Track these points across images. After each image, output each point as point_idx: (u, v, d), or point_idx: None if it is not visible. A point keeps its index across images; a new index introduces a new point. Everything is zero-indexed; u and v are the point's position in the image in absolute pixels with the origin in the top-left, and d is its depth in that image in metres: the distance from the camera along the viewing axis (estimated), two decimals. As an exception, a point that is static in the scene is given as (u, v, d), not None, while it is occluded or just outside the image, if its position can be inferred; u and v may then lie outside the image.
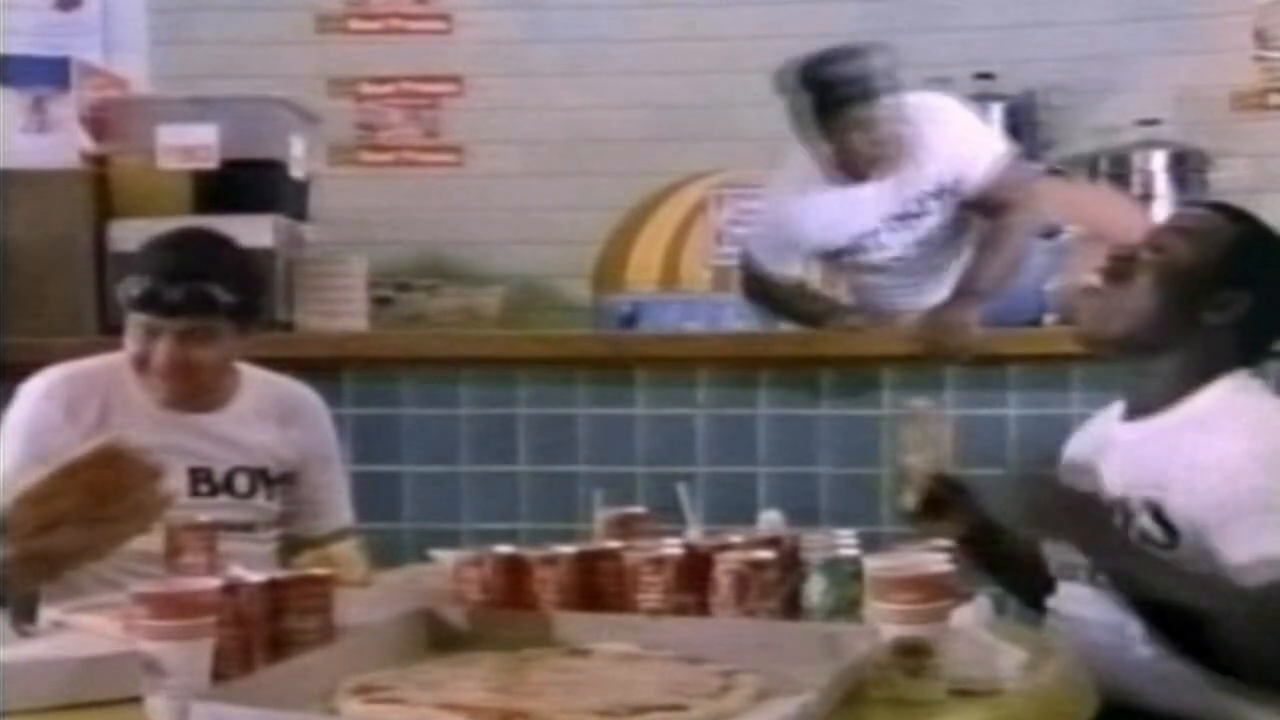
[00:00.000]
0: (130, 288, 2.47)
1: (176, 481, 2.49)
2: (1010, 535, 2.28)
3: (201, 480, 2.55)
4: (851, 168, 3.77)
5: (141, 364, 2.48)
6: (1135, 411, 2.20)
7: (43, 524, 1.50)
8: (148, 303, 2.45)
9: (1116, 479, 2.14)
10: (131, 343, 2.49)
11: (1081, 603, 2.16)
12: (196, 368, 2.49)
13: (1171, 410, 2.14)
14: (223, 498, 2.56)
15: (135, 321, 2.47)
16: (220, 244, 2.60)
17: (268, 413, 2.62)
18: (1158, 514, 2.06)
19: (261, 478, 2.61)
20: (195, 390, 2.53)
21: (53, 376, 2.54)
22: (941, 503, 2.29)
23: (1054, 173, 4.61)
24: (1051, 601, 2.24)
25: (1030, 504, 2.10)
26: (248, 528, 2.57)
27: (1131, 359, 2.21)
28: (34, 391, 2.53)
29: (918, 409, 2.30)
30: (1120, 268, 2.16)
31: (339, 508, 2.76)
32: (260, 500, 2.61)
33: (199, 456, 2.53)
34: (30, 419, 2.49)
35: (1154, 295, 2.14)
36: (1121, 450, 2.18)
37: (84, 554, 1.56)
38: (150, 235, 2.65)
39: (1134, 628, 2.07)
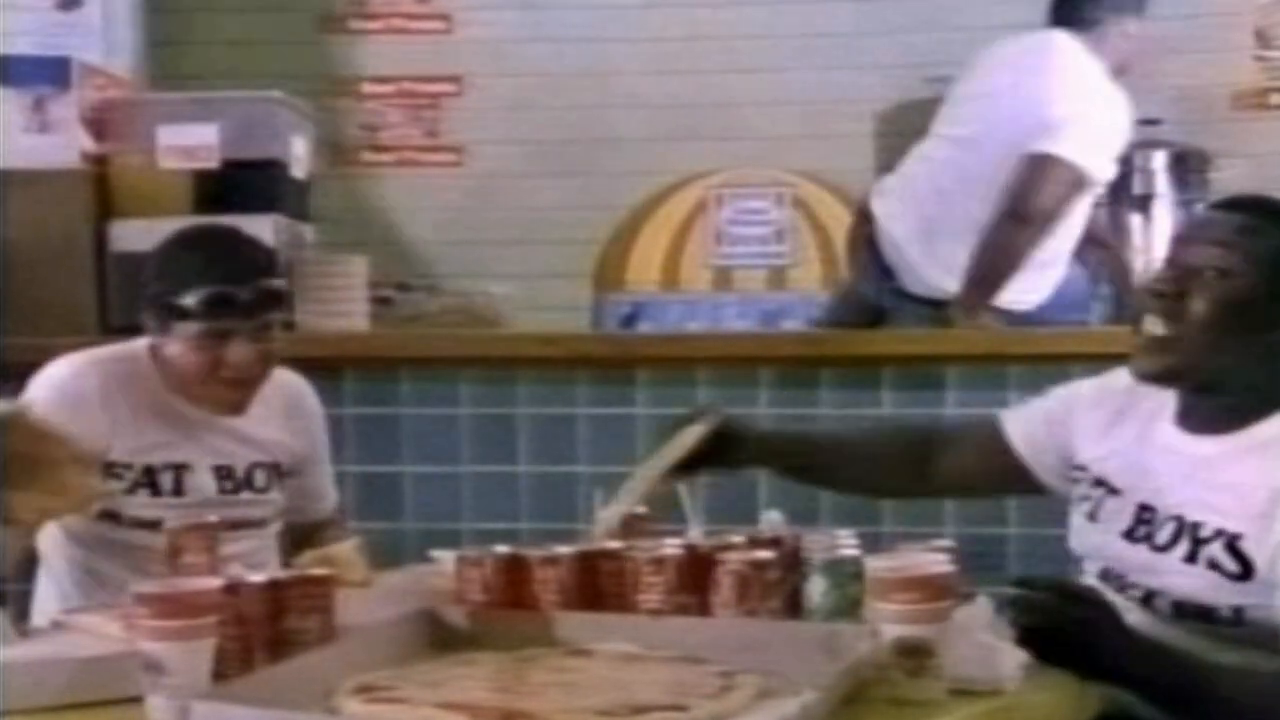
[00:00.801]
0: (186, 295, 2.39)
1: (203, 479, 2.50)
2: None
3: (225, 478, 2.55)
4: None
5: (208, 371, 2.42)
6: (1196, 425, 2.07)
7: None
8: (220, 306, 2.39)
9: (1179, 493, 2.03)
10: (190, 352, 2.41)
11: None
12: (268, 363, 2.47)
13: (1241, 432, 2.01)
14: (245, 494, 2.57)
15: (195, 329, 2.40)
16: (251, 240, 2.59)
17: (276, 407, 2.62)
18: (1231, 545, 1.95)
19: (275, 471, 2.62)
20: (252, 391, 2.50)
21: (78, 361, 2.48)
22: None
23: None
24: None
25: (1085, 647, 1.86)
26: (262, 523, 2.58)
27: (1193, 389, 2.07)
28: (58, 375, 2.45)
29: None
30: (1173, 307, 2.01)
31: (330, 489, 2.82)
32: (274, 494, 2.62)
33: (222, 454, 2.53)
34: (59, 399, 2.38)
35: (1213, 326, 1.99)
36: (1184, 465, 2.05)
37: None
38: (161, 237, 2.58)
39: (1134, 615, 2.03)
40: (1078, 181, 3.76)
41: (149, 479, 2.45)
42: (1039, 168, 3.71)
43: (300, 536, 2.65)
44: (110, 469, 2.40)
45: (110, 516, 2.42)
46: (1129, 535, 2.08)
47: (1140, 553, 2.06)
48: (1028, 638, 1.80)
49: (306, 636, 1.74)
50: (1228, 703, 1.87)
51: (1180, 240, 2.11)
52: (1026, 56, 3.96)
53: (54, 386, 2.43)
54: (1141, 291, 2.13)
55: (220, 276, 2.41)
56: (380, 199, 5.40)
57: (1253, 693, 1.88)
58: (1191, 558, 1.99)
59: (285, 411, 2.64)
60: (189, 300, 2.39)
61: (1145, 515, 2.08)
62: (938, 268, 3.83)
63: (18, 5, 4.31)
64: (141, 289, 2.50)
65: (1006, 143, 3.78)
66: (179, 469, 2.47)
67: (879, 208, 3.99)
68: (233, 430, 2.54)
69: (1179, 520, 2.02)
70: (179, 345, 2.43)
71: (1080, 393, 2.28)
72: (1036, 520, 3.16)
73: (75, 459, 1.70)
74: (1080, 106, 3.80)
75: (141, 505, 2.43)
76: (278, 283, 2.51)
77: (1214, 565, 1.96)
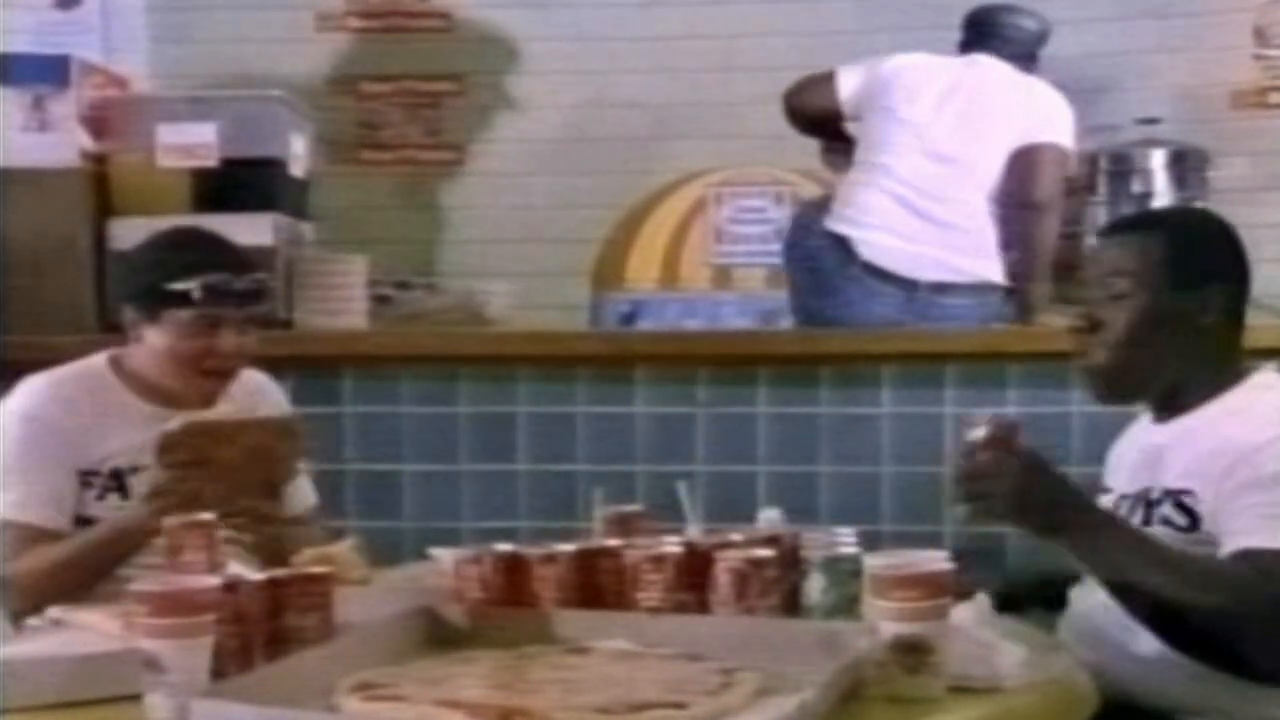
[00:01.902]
0: (185, 281, 2.43)
1: None
2: None
3: None
4: None
5: (199, 358, 2.46)
6: (1161, 413, 2.21)
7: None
8: (219, 295, 2.44)
9: (1142, 475, 2.17)
10: (181, 339, 2.45)
11: (1094, 592, 2.16)
12: (245, 360, 2.53)
13: (1199, 410, 2.15)
14: None
15: (189, 316, 2.44)
16: (229, 240, 2.63)
17: (242, 404, 2.61)
18: (1179, 501, 2.08)
19: None
20: (227, 383, 2.54)
21: (37, 383, 2.50)
22: None
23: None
24: (1073, 592, 2.24)
25: (1019, 494, 2.00)
26: None
27: (1140, 400, 2.23)
28: (21, 402, 2.47)
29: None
30: (1093, 339, 2.17)
31: (306, 487, 2.76)
32: None
33: None
34: (27, 424, 2.44)
35: (1130, 346, 2.15)
36: (1150, 450, 2.20)
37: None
38: (148, 238, 2.63)
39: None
40: (1066, 163, 4.09)
41: (118, 483, 2.45)
42: (1036, 158, 3.98)
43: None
44: (81, 477, 2.42)
45: (84, 522, 2.42)
46: None
47: None
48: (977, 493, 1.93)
49: (305, 634, 1.74)
50: (1151, 569, 1.97)
51: (1081, 279, 2.28)
52: (988, 73, 4.19)
53: (18, 412, 2.47)
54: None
55: (219, 265, 2.47)
56: (379, 198, 5.40)
57: (1177, 568, 1.98)
58: (1147, 521, 2.12)
59: (251, 409, 2.64)
60: (188, 286, 2.43)
61: (1120, 504, 2.20)
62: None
63: (17, 3, 4.31)
64: (122, 282, 2.54)
65: (999, 148, 3.98)
66: (147, 471, 2.47)
67: (855, 234, 3.94)
68: None
69: (1141, 496, 2.15)
70: (169, 332, 2.46)
71: None
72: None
73: None
74: (1053, 98, 4.13)
75: (112, 509, 2.43)
76: (267, 277, 2.58)
77: (1166, 521, 2.10)
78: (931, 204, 3.88)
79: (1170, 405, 2.19)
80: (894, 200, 3.89)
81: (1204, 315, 2.14)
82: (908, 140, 3.94)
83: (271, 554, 2.23)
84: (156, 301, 2.46)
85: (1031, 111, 4.06)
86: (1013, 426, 1.99)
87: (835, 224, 3.90)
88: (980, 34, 4.30)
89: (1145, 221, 2.28)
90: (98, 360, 2.55)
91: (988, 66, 4.16)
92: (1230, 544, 1.99)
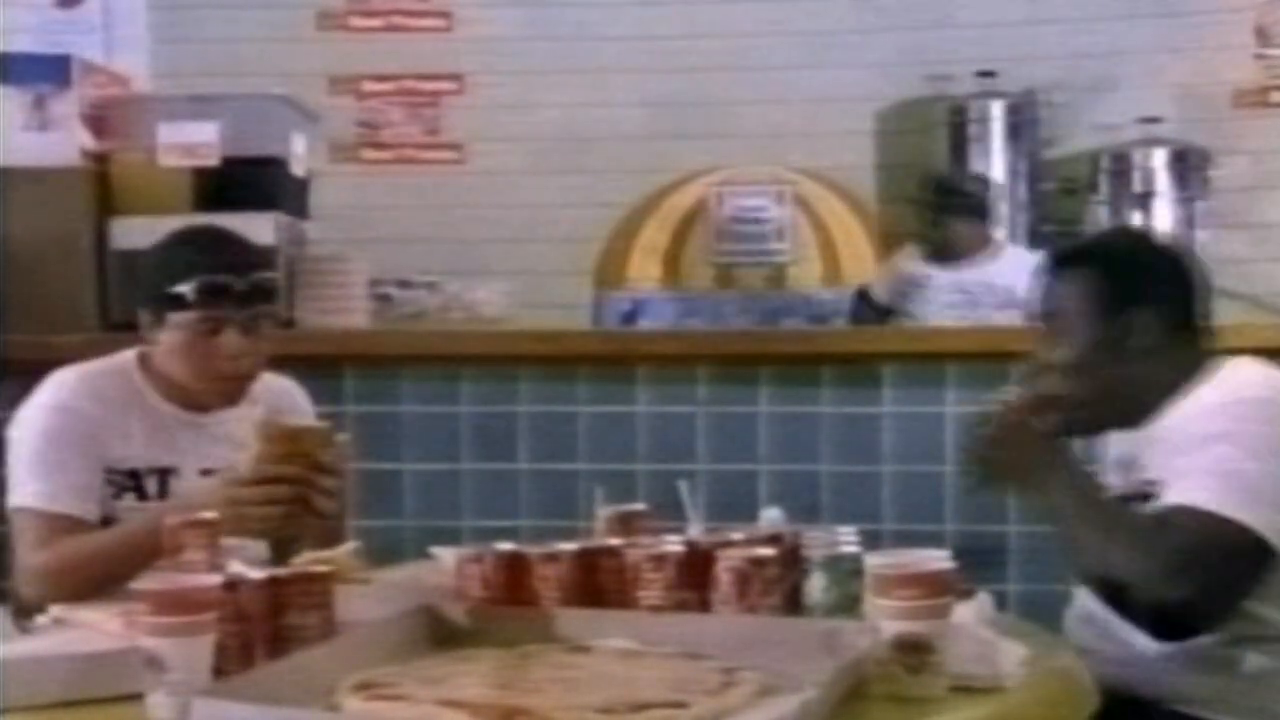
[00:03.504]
0: (182, 284, 2.41)
1: (190, 483, 2.49)
2: None
3: None
4: None
5: (203, 361, 2.44)
6: (1126, 427, 2.26)
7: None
8: (216, 294, 2.41)
9: (1123, 476, 2.23)
10: (184, 341, 2.43)
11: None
12: (257, 359, 2.48)
13: (1165, 413, 2.18)
14: None
15: (189, 318, 2.42)
16: (244, 239, 2.61)
17: (270, 408, 2.60)
18: (1148, 495, 2.13)
19: None
20: (245, 385, 2.51)
21: (67, 377, 2.48)
22: None
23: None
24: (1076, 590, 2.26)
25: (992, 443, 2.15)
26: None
27: (1104, 425, 2.29)
28: (52, 395, 2.46)
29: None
30: (1049, 375, 2.24)
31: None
32: None
33: (209, 458, 2.51)
34: (57, 416, 2.42)
35: (1079, 375, 2.21)
36: (1126, 455, 2.25)
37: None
38: (161, 236, 2.58)
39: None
40: None
41: (135, 483, 2.45)
42: None
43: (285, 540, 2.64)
44: (104, 474, 2.42)
45: (102, 521, 2.42)
46: None
47: None
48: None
49: (307, 633, 1.74)
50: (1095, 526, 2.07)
51: (1027, 317, 2.33)
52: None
53: (48, 404, 2.46)
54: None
55: (214, 266, 2.44)
56: (380, 196, 5.41)
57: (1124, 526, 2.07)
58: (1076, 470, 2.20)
59: (278, 413, 2.63)
60: (184, 289, 2.41)
61: None
62: None
63: (18, 2, 4.32)
64: (137, 287, 2.52)
65: None
66: (164, 473, 2.47)
67: None
68: (220, 434, 2.53)
69: (1123, 496, 2.20)
70: (173, 336, 2.44)
71: None
72: (1037, 519, 3.17)
73: None
74: None
75: (128, 510, 2.43)
76: (270, 276, 2.53)
77: None
78: None
79: (1133, 420, 2.22)
80: None
81: (1140, 339, 2.19)
82: None
83: (327, 543, 2.23)
84: (161, 304, 2.45)
85: None
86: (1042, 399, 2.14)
87: None
88: None
89: (1071, 257, 2.32)
90: (127, 357, 2.53)
91: None
92: (1165, 496, 2.05)
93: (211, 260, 2.45)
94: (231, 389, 2.49)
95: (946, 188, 5.10)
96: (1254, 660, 2.07)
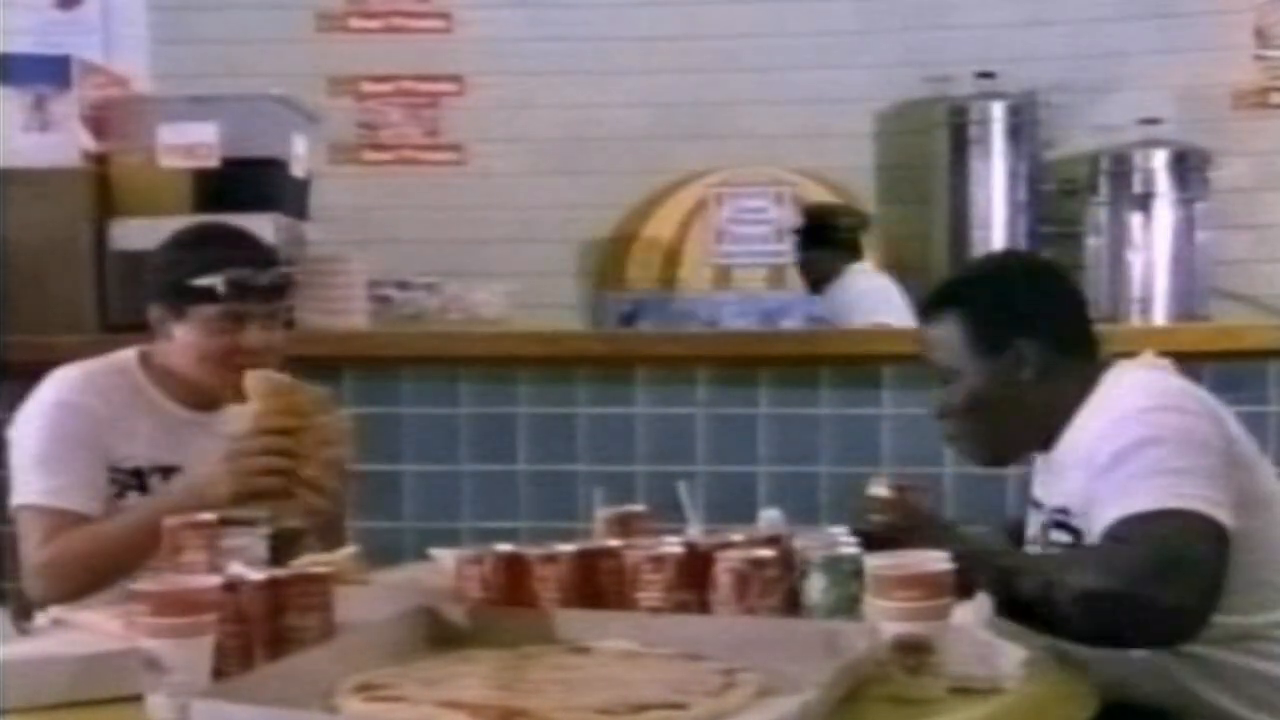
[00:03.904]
0: (209, 276, 2.41)
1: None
2: None
3: None
4: None
5: (225, 355, 2.43)
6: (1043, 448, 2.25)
7: None
8: (243, 288, 2.42)
9: (1043, 499, 2.24)
10: (207, 335, 2.42)
11: None
12: (275, 354, 2.47)
13: (1064, 432, 2.17)
14: None
15: (214, 311, 2.42)
16: (255, 236, 2.61)
17: None
18: (1059, 521, 2.14)
19: None
20: None
21: (71, 374, 2.48)
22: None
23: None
24: None
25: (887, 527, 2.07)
26: (253, 522, 2.56)
27: (1006, 452, 2.29)
28: (54, 393, 2.45)
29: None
30: (950, 415, 2.24)
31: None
32: None
33: (212, 457, 2.51)
34: (62, 414, 2.42)
35: (974, 410, 2.21)
36: (1044, 477, 2.26)
37: None
38: (172, 234, 2.57)
39: None
40: None
41: (138, 481, 2.45)
42: None
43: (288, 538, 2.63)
44: (107, 472, 2.41)
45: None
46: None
47: None
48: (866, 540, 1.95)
49: (306, 634, 1.74)
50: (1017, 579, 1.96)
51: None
52: None
53: (51, 400, 2.45)
54: None
55: (243, 260, 2.45)
56: (380, 197, 5.40)
57: (1036, 571, 1.99)
58: (1050, 544, 2.18)
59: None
60: (212, 281, 2.41)
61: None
62: None
63: (18, 3, 4.31)
64: (148, 280, 2.50)
65: None
66: (168, 471, 2.46)
67: None
68: (225, 432, 2.53)
69: (1043, 524, 2.21)
70: (194, 329, 2.43)
71: None
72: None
73: None
74: None
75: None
76: (289, 272, 2.55)
77: (1053, 543, 2.16)
78: None
79: (1047, 443, 2.20)
80: None
81: (1021, 370, 2.18)
82: None
83: (329, 539, 2.25)
84: (182, 298, 2.43)
85: None
86: (910, 488, 2.12)
87: None
88: None
89: (944, 298, 2.29)
90: (127, 355, 2.53)
91: None
92: (1099, 525, 1.99)
93: (237, 255, 2.46)
94: (241, 383, 2.47)
95: (815, 218, 5.18)
96: (1253, 661, 2.06)
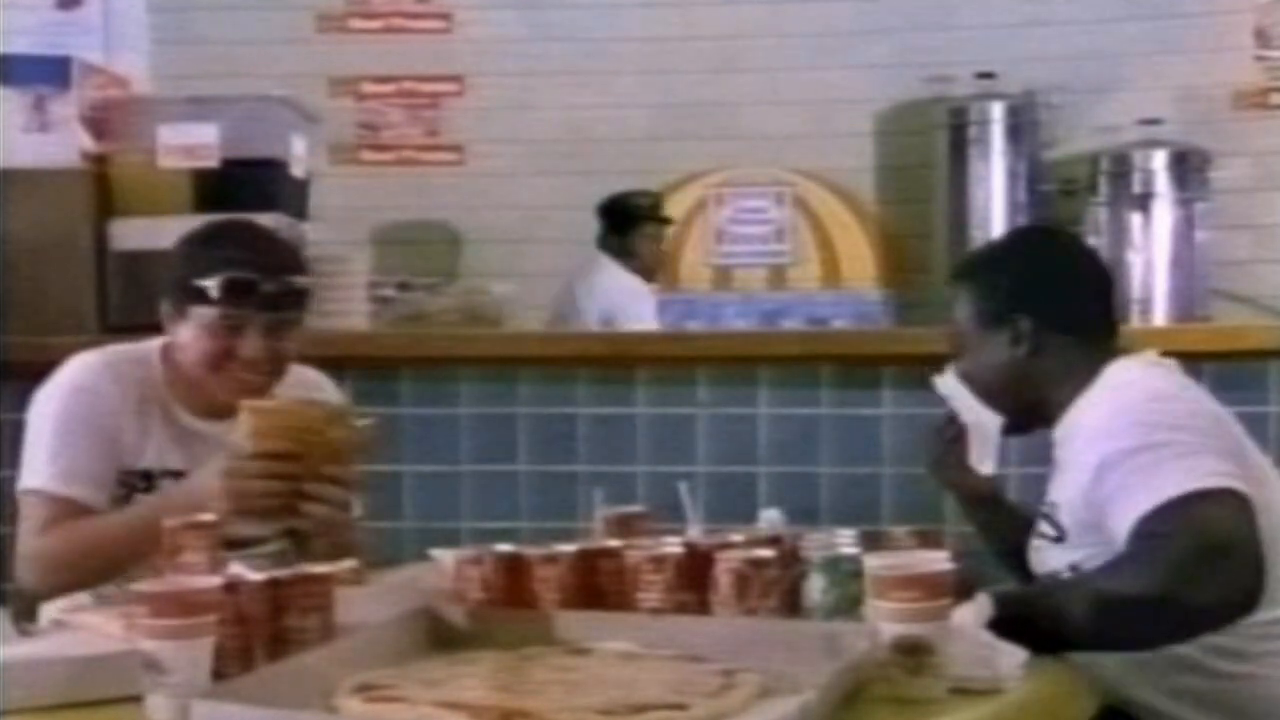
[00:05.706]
0: (206, 278, 2.32)
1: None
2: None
3: None
4: None
5: (220, 359, 2.35)
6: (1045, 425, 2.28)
7: None
8: (241, 294, 2.32)
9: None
10: (202, 338, 2.35)
11: None
12: (281, 362, 2.40)
13: (1062, 422, 2.21)
14: None
15: (211, 315, 2.34)
16: (283, 239, 2.54)
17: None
18: (1047, 515, 2.17)
19: None
20: (266, 387, 2.40)
21: (94, 360, 2.43)
22: None
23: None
24: None
25: None
26: (254, 541, 2.49)
27: (1021, 422, 2.30)
28: (76, 375, 2.41)
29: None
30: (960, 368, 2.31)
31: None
32: None
33: None
34: (80, 398, 2.37)
35: (988, 384, 2.27)
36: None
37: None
38: (192, 229, 2.51)
39: None
40: None
41: (147, 484, 2.42)
42: None
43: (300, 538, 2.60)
44: (117, 473, 2.39)
45: None
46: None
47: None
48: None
49: (306, 635, 1.74)
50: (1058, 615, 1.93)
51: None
52: None
53: (68, 384, 2.41)
54: None
55: (243, 263, 2.35)
56: (380, 198, 5.41)
57: (1077, 600, 1.95)
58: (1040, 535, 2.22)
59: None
60: (208, 283, 2.33)
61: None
62: None
63: (18, 4, 4.31)
64: (163, 276, 2.44)
65: None
66: (178, 476, 2.42)
67: None
68: (228, 441, 2.47)
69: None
70: (192, 330, 2.36)
71: None
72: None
73: None
74: None
75: None
76: (303, 281, 2.43)
77: (1041, 534, 2.20)
78: None
79: (1049, 420, 2.23)
80: None
81: (1017, 345, 2.22)
82: None
83: (334, 550, 2.16)
84: (183, 296, 2.37)
85: None
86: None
87: None
88: None
89: (961, 271, 2.40)
90: (151, 347, 2.46)
91: None
92: (1125, 519, 1.96)
93: (242, 256, 2.36)
94: (238, 391, 2.35)
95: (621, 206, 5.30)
96: (1252, 663, 2.06)
